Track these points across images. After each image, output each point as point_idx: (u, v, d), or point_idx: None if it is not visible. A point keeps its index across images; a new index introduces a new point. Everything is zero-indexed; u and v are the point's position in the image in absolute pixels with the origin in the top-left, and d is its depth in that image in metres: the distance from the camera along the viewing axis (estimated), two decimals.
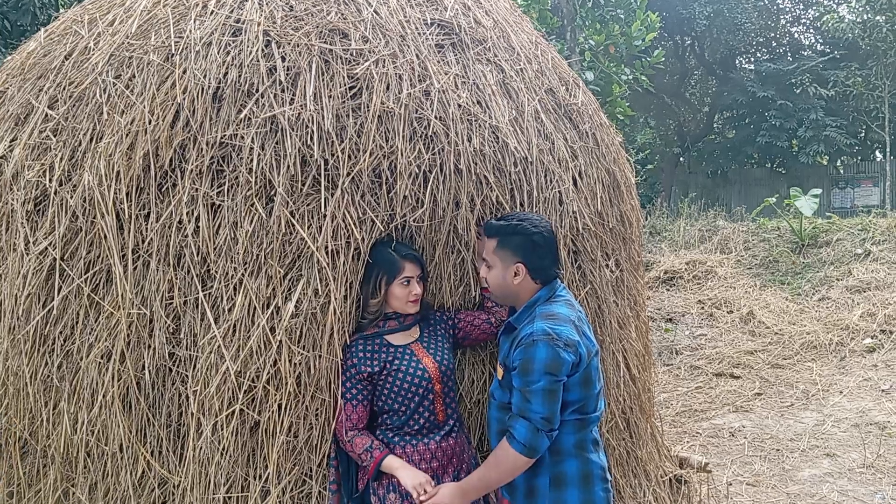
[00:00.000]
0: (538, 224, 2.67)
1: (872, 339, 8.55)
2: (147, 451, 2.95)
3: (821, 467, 5.83)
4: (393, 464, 2.69)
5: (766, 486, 5.50)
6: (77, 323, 3.01)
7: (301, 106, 2.90)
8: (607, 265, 3.53)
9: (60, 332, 3.04)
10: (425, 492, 2.59)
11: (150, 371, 2.90)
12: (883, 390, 7.37)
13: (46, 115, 3.20)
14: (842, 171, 21.54)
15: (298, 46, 3.02)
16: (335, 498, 2.82)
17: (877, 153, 21.98)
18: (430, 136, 3.02)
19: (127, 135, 2.95)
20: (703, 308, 10.10)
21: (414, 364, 2.78)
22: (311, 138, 2.86)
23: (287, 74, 2.97)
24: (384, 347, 2.80)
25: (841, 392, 7.48)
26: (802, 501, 5.21)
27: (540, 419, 2.43)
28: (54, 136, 3.15)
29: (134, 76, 3.08)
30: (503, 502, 2.71)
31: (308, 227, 2.84)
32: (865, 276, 9.88)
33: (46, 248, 3.04)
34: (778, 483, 5.56)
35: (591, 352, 2.56)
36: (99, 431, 3.00)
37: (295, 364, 2.82)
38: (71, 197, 3.02)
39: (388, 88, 3.01)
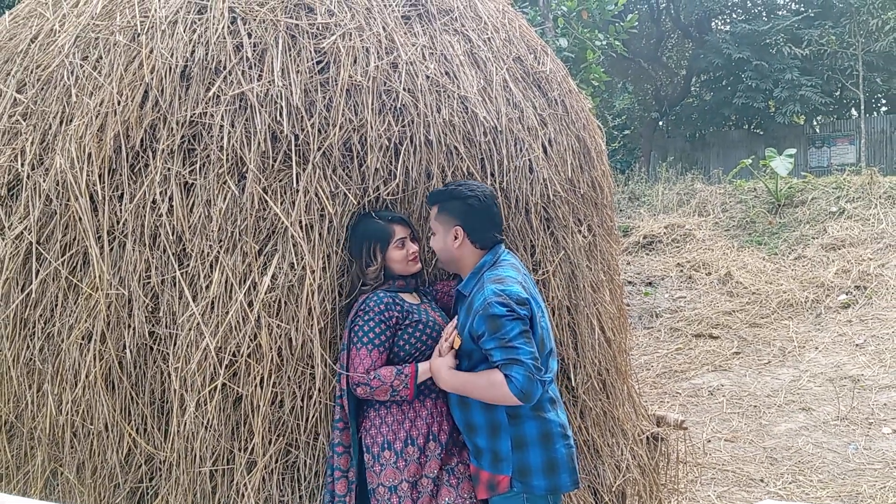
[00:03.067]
0: (474, 189, 2.76)
1: (847, 295, 8.70)
2: (132, 429, 3.00)
3: (796, 421, 5.98)
4: (422, 368, 2.74)
5: (743, 442, 5.64)
6: (56, 305, 3.04)
7: (269, 82, 2.92)
8: (580, 231, 3.59)
9: (40, 315, 3.06)
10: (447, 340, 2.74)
11: (131, 350, 2.94)
12: (857, 345, 7.52)
13: (15, 99, 3.20)
14: (818, 131, 21.67)
15: (264, 22, 3.03)
16: (343, 459, 2.78)
17: (853, 111, 22.10)
18: (399, 108, 3.05)
19: (97, 116, 2.97)
20: (682, 271, 10.22)
21: (431, 318, 2.85)
22: (281, 114, 2.89)
23: (254, 51, 2.98)
24: (402, 303, 2.84)
25: (816, 348, 7.64)
26: (778, 454, 5.35)
27: (531, 360, 2.48)
28: (24, 120, 3.15)
29: (101, 57, 3.08)
30: (471, 468, 2.77)
31: (281, 203, 2.88)
32: (840, 234, 10.02)
33: (22, 233, 3.06)
34: (755, 438, 5.70)
35: (538, 313, 2.65)
36: (84, 411, 3.04)
37: (275, 337, 2.87)
38: (44, 180, 3.03)
39: (355, 62, 3.03)
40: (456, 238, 2.74)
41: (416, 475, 2.72)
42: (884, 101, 23.01)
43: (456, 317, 2.79)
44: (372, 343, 2.73)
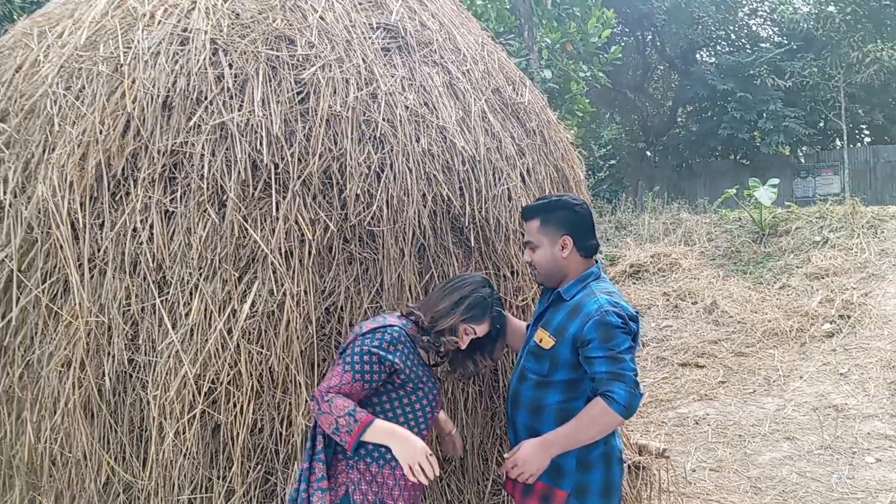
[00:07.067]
0: (577, 198, 2.80)
1: (831, 324, 8.74)
2: (111, 457, 2.99)
3: (781, 450, 5.98)
4: (382, 428, 2.41)
5: (728, 471, 5.64)
6: (36, 333, 3.04)
7: (249, 112, 2.96)
8: None
9: (20, 343, 3.07)
10: (422, 470, 2.41)
11: (110, 378, 2.94)
12: (841, 374, 7.55)
13: None
14: (803, 161, 21.89)
15: (245, 54, 3.09)
16: (327, 497, 2.45)
17: (837, 142, 22.35)
18: (379, 137, 3.09)
19: (79, 145, 3.00)
20: (668, 300, 10.25)
21: (437, 388, 2.69)
22: (261, 143, 2.93)
23: (235, 81, 3.04)
24: (418, 356, 2.63)
25: (801, 377, 7.66)
26: (763, 484, 5.35)
27: (633, 376, 2.50)
28: (7, 148, 3.18)
29: (84, 87, 3.13)
30: None
31: (261, 231, 2.90)
32: (823, 263, 10.08)
33: (3, 260, 3.07)
34: (740, 468, 5.70)
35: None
36: (62, 439, 3.03)
37: (255, 363, 2.88)
38: (26, 208, 3.05)
39: (335, 92, 3.08)
40: (564, 248, 2.72)
41: None
42: (867, 132, 23.28)
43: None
44: (353, 369, 2.45)
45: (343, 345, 2.63)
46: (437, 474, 2.44)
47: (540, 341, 2.70)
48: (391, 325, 2.56)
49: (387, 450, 2.48)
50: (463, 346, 2.68)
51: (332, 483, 2.50)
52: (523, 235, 2.92)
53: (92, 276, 2.97)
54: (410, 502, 2.60)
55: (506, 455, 2.70)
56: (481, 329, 2.69)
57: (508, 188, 3.36)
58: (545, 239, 2.75)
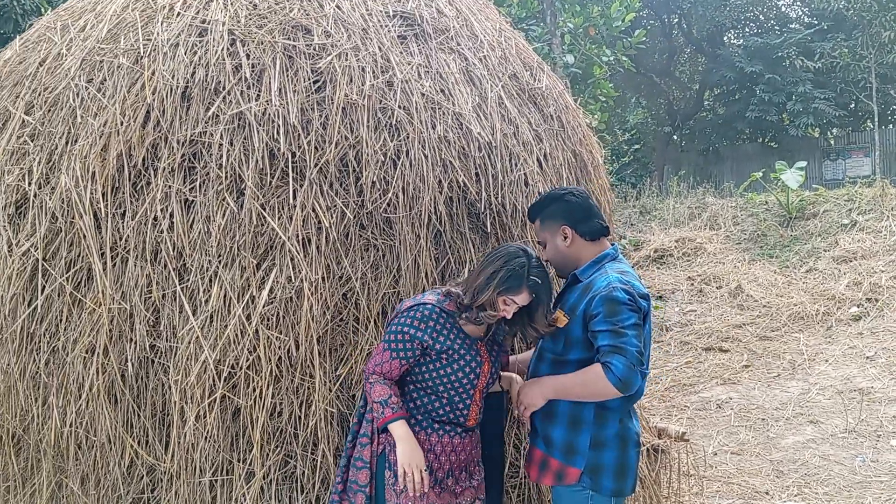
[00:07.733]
0: (566, 187, 2.88)
1: (858, 307, 8.66)
2: (134, 441, 3.06)
3: (804, 434, 5.96)
4: (399, 431, 2.62)
5: (750, 455, 5.63)
6: (61, 320, 3.12)
7: (267, 101, 3.00)
8: None
9: (46, 330, 3.15)
10: (413, 480, 2.58)
11: (132, 363, 3.01)
12: (867, 357, 7.48)
13: (23, 120, 3.30)
14: (832, 143, 21.57)
15: (262, 44, 3.12)
16: (367, 450, 2.70)
17: (868, 123, 21.96)
18: (395, 125, 3.12)
19: (100, 136, 3.06)
20: (692, 284, 10.21)
21: (476, 361, 2.73)
22: (278, 132, 2.97)
23: (252, 71, 3.07)
24: (456, 330, 2.71)
25: (826, 361, 7.60)
26: (785, 467, 5.33)
27: (635, 352, 2.50)
28: (31, 140, 3.25)
29: (105, 79, 3.18)
30: (535, 452, 2.77)
31: (278, 218, 2.95)
32: (851, 246, 9.97)
33: (29, 250, 3.15)
34: (762, 451, 5.68)
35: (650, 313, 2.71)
36: (87, 424, 3.11)
37: (274, 349, 2.93)
38: (50, 199, 3.12)
39: (351, 81, 3.11)
40: (566, 237, 2.77)
41: (433, 503, 2.68)
42: None
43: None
44: (391, 349, 2.66)
45: (388, 320, 2.81)
46: (425, 491, 2.62)
47: (555, 320, 2.75)
48: (424, 304, 2.71)
49: (423, 417, 2.72)
50: (509, 317, 2.71)
51: (373, 438, 2.72)
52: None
53: (114, 265, 3.03)
54: (447, 468, 2.72)
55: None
56: (521, 299, 2.67)
57: (525, 173, 3.37)
58: (548, 234, 2.82)
